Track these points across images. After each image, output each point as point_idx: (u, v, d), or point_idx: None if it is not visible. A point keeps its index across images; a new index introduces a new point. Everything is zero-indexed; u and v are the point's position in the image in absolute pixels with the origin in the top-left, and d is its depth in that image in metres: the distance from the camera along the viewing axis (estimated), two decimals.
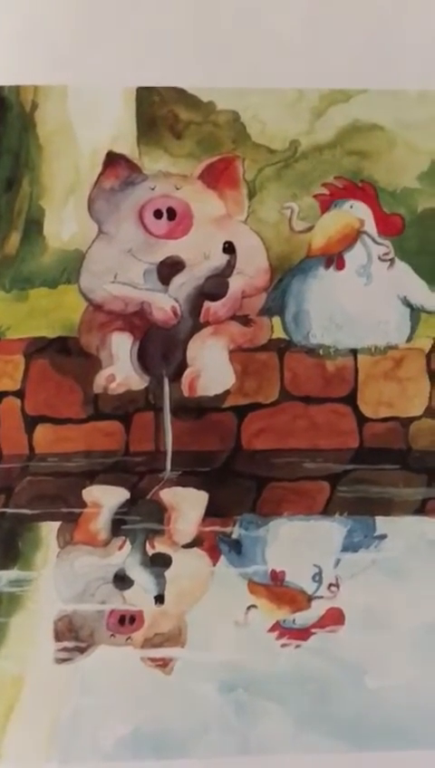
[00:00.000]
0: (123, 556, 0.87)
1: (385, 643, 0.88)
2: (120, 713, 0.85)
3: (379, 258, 0.89)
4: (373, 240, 0.89)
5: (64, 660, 0.85)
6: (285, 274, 0.88)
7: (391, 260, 0.89)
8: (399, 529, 0.89)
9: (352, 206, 0.89)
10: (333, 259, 0.89)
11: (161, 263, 0.87)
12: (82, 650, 0.86)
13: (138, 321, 0.87)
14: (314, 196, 0.88)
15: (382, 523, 0.89)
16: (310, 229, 0.88)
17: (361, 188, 0.88)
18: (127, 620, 0.86)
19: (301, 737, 0.86)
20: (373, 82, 0.88)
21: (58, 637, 0.86)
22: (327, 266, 0.89)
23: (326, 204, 0.89)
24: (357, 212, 0.89)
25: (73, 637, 0.86)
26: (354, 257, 0.89)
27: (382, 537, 0.89)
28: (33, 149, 0.86)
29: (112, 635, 0.86)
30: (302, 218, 0.88)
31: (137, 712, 0.85)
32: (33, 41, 0.85)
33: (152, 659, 0.86)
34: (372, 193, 0.89)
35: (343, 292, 0.89)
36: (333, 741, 0.86)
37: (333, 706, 0.86)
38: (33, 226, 0.86)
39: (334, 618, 0.88)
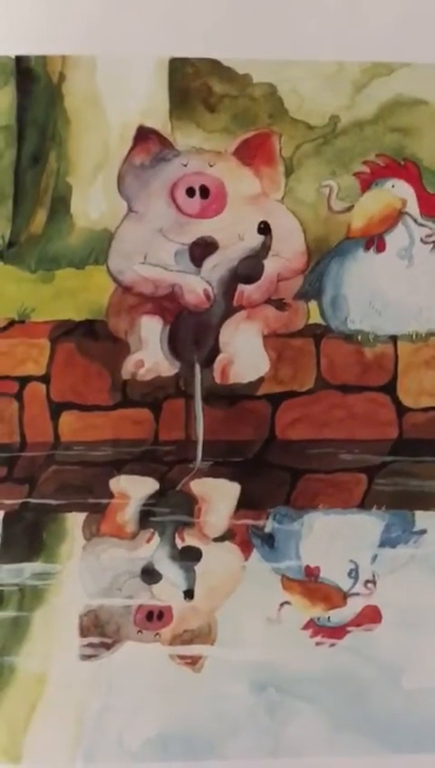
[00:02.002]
0: (152, 549, 0.84)
1: (423, 642, 0.85)
2: (147, 712, 0.82)
3: (421, 240, 0.86)
4: (416, 221, 0.86)
5: (90, 657, 0.83)
6: (323, 257, 0.85)
7: None
8: None
9: (393, 186, 0.85)
10: (374, 241, 0.85)
11: (193, 243, 0.83)
12: (108, 647, 0.83)
13: (168, 305, 0.84)
14: (354, 175, 0.85)
15: (422, 518, 0.86)
16: (349, 209, 0.85)
17: (403, 167, 0.85)
18: (155, 616, 0.84)
19: (335, 739, 0.83)
20: (417, 55, 0.84)
21: (83, 632, 0.83)
22: (367, 248, 0.86)
23: (367, 183, 0.85)
24: (399, 192, 0.85)
25: (99, 632, 0.83)
26: (396, 239, 0.86)
27: (422, 532, 0.86)
28: (60, 123, 0.82)
29: (140, 631, 0.83)
30: (341, 198, 0.85)
31: (165, 711, 0.83)
32: (61, 9, 0.81)
33: (181, 657, 0.83)
34: (414, 172, 0.85)
35: (383, 276, 0.86)
36: (368, 743, 0.83)
37: (369, 708, 0.84)
38: (60, 204, 0.83)
39: (371, 616, 0.85)
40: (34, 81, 0.82)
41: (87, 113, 0.83)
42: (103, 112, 0.83)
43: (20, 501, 0.84)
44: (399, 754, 0.84)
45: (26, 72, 0.82)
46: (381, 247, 0.86)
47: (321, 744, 0.83)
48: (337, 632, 0.85)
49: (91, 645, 0.83)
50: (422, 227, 0.86)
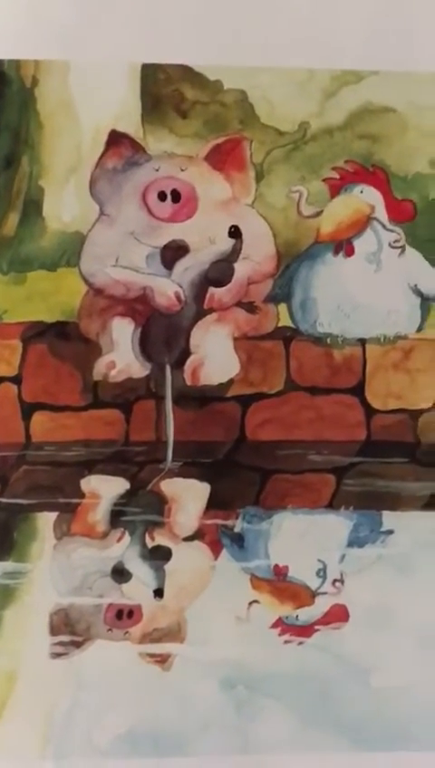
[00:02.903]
0: (122, 548, 0.85)
1: (391, 642, 0.86)
2: (117, 709, 0.83)
3: (389, 245, 0.87)
4: (384, 226, 0.87)
5: (60, 655, 0.83)
6: (293, 260, 0.86)
7: (402, 247, 0.87)
8: (406, 524, 0.87)
9: (362, 191, 0.86)
10: (342, 245, 0.86)
11: (165, 246, 0.84)
12: (78, 645, 0.83)
13: (140, 307, 0.85)
14: (324, 181, 0.86)
15: (389, 518, 0.87)
16: (319, 214, 0.86)
17: (372, 173, 0.86)
18: (125, 615, 0.84)
19: (303, 737, 0.84)
20: (386, 64, 0.85)
21: (53, 631, 0.83)
22: (336, 253, 0.86)
23: (336, 188, 0.86)
24: (367, 197, 0.86)
25: (69, 631, 0.83)
26: (364, 244, 0.87)
27: (389, 532, 0.87)
28: (33, 127, 0.83)
29: (110, 629, 0.84)
30: (311, 203, 0.86)
31: (134, 708, 0.83)
32: (35, 14, 0.82)
33: (151, 655, 0.84)
34: (383, 178, 0.86)
35: (351, 280, 0.86)
36: (335, 741, 0.84)
37: (337, 706, 0.84)
38: (33, 207, 0.83)
39: (339, 615, 0.86)
40: (7, 84, 0.83)
41: (60, 117, 0.83)
42: (76, 117, 0.83)
43: None
44: (366, 752, 0.84)
45: None
46: (349, 252, 0.87)
47: (289, 742, 0.84)
48: (305, 631, 0.86)
49: (61, 643, 0.83)
50: (390, 233, 0.87)
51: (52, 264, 0.84)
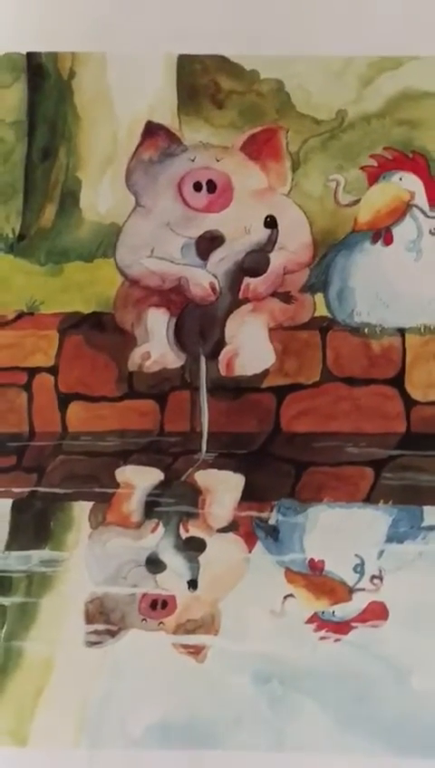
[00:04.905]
0: (156, 539, 0.85)
1: (433, 642, 0.83)
2: (150, 699, 0.83)
3: (430, 232, 0.85)
4: (424, 213, 0.85)
5: (95, 643, 0.83)
6: (330, 250, 0.85)
7: None
8: None
9: (401, 179, 0.85)
10: (381, 234, 0.85)
11: (200, 237, 0.84)
12: (112, 634, 0.84)
13: (175, 297, 0.85)
14: (362, 169, 0.85)
15: (431, 514, 0.84)
16: (356, 202, 0.85)
17: (411, 159, 0.84)
18: (159, 605, 0.84)
19: (339, 738, 0.82)
20: (425, 48, 0.83)
21: (89, 619, 0.84)
22: (374, 241, 0.85)
23: (374, 176, 0.85)
24: (407, 184, 0.85)
25: (104, 620, 0.84)
26: (403, 232, 0.85)
27: (431, 528, 0.84)
28: (70, 119, 0.84)
29: (144, 619, 0.84)
30: (348, 191, 0.85)
31: (167, 699, 0.82)
32: (72, 6, 0.83)
33: (184, 646, 0.83)
34: (423, 164, 0.84)
35: (390, 268, 0.85)
36: (373, 744, 0.81)
37: (375, 707, 0.82)
38: (70, 198, 0.85)
39: (377, 612, 0.84)
40: (45, 77, 0.84)
41: (96, 109, 0.84)
42: (112, 108, 0.84)
43: (28, 489, 0.85)
44: (405, 758, 0.81)
45: (37, 69, 0.84)
46: (388, 240, 0.85)
47: (324, 742, 0.82)
48: (342, 627, 0.84)
49: (96, 632, 0.84)
50: (431, 219, 0.85)
51: (88, 256, 0.85)
